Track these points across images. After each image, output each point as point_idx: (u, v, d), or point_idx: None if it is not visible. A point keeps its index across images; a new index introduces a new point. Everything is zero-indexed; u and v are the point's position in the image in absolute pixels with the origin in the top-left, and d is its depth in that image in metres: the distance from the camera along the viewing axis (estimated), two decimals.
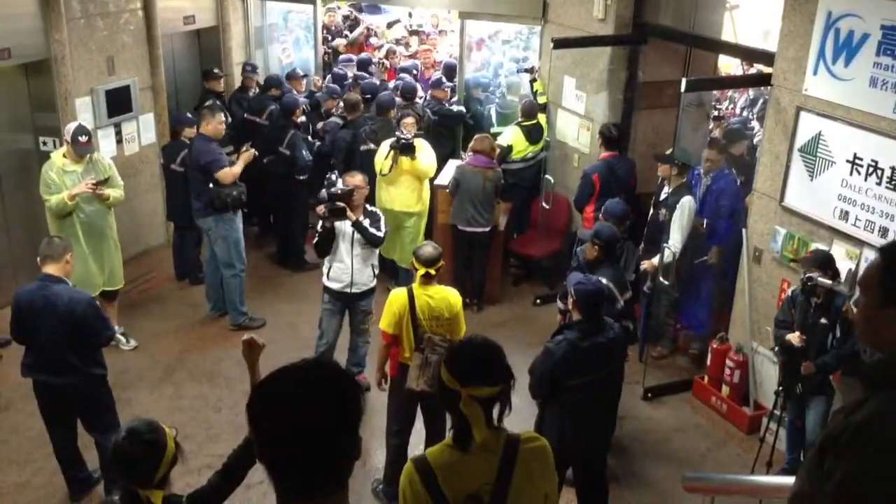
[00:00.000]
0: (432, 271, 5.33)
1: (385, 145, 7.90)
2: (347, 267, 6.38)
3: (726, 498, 5.22)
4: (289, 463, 1.81)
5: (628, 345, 5.64)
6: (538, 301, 8.39)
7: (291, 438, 1.78)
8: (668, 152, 7.22)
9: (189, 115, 8.48)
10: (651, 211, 7.34)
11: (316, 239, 6.45)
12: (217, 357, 7.27)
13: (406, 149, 7.74)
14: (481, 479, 2.67)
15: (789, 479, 5.15)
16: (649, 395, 6.86)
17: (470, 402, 2.64)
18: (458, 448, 2.71)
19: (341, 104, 9.21)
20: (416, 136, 7.89)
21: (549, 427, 4.78)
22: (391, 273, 8.38)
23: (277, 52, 11.22)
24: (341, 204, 6.16)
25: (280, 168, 8.65)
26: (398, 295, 5.34)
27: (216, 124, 7.50)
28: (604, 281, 5.63)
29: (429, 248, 5.43)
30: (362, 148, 8.45)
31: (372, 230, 6.30)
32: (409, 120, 8.03)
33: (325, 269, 6.51)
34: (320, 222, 6.34)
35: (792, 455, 5.81)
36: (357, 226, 6.26)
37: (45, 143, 7.80)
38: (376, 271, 6.60)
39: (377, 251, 6.57)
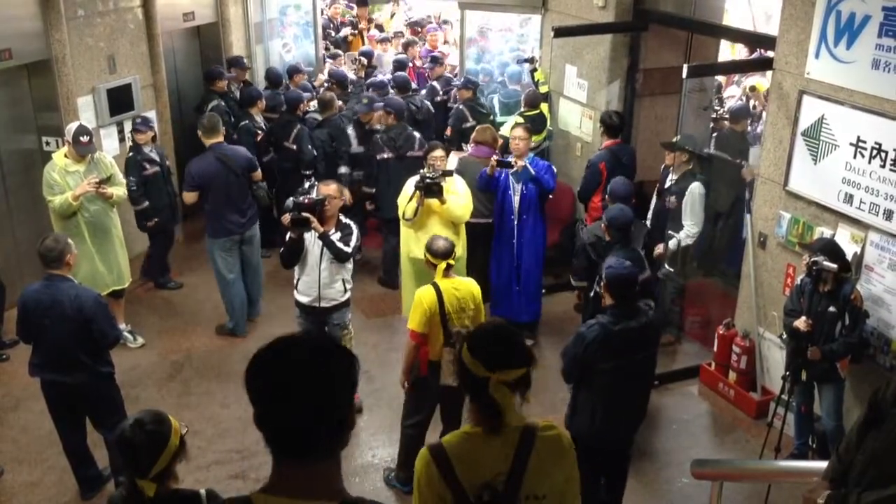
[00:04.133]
0: (452, 262, 5.28)
1: (409, 184, 6.76)
2: (314, 280, 6.04)
3: (735, 483, 5.24)
4: (282, 428, 1.88)
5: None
6: (543, 290, 8.37)
7: (285, 404, 1.85)
8: (674, 140, 7.20)
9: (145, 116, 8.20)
10: (654, 199, 7.32)
11: (281, 249, 6.09)
12: (224, 353, 7.29)
13: (431, 190, 6.52)
14: (497, 468, 2.66)
15: (798, 464, 5.20)
16: (656, 381, 6.83)
17: (499, 386, 2.65)
18: (487, 432, 2.70)
19: (312, 104, 9.22)
20: (445, 173, 6.69)
21: (580, 412, 4.76)
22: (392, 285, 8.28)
23: (278, 47, 11.21)
24: (306, 214, 5.75)
25: (286, 163, 8.66)
26: (426, 293, 5.19)
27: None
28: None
29: (441, 241, 5.33)
30: (379, 157, 8.17)
31: (339, 245, 5.91)
32: (439, 153, 6.93)
33: (294, 282, 6.21)
34: (288, 234, 5.94)
35: (800, 440, 5.81)
36: (323, 238, 5.89)
37: (48, 143, 7.81)
38: (348, 286, 6.20)
39: (349, 265, 6.17)
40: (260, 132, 8.81)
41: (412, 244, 6.77)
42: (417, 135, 8.23)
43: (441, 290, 5.19)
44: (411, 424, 5.54)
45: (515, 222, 7.13)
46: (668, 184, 7.16)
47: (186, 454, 3.49)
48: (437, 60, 10.14)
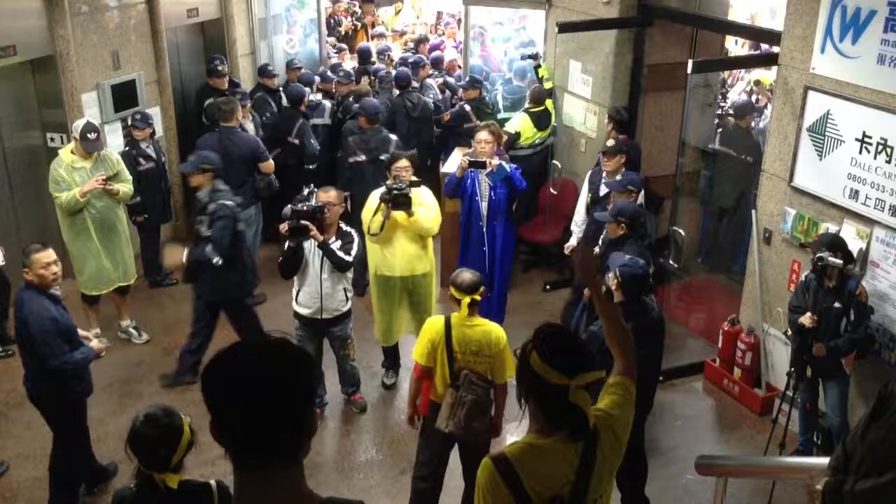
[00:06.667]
0: (477, 297, 4.80)
1: (374, 197, 6.29)
2: (316, 291, 5.86)
3: (739, 479, 5.24)
4: (239, 438, 1.86)
5: None
6: (548, 287, 8.38)
7: (240, 414, 1.83)
8: (608, 143, 7.07)
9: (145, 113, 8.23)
10: (581, 211, 7.22)
11: (280, 259, 5.93)
12: None
13: (399, 202, 6.11)
14: (564, 479, 2.63)
15: (803, 460, 5.18)
16: (661, 378, 6.83)
17: (579, 392, 2.61)
18: (570, 439, 2.64)
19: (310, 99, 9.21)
20: (412, 183, 6.26)
21: None
22: None
23: (282, 43, 11.21)
24: (304, 222, 5.59)
25: (290, 158, 8.68)
26: (434, 323, 4.85)
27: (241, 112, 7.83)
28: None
29: (467, 274, 4.85)
30: (350, 160, 7.94)
31: (340, 254, 5.76)
32: (403, 163, 6.42)
33: (293, 293, 6.04)
34: (286, 243, 5.79)
35: (805, 436, 5.81)
36: (323, 247, 5.72)
37: (52, 140, 7.82)
38: (349, 294, 6.07)
39: (350, 273, 6.05)
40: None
41: (378, 261, 6.42)
42: (394, 137, 7.97)
43: (451, 323, 4.77)
44: (419, 476, 5.10)
45: (484, 229, 7.00)
46: (603, 190, 6.95)
47: (198, 444, 3.52)
48: (417, 65, 10.06)
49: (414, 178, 6.40)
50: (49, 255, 4.99)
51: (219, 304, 6.55)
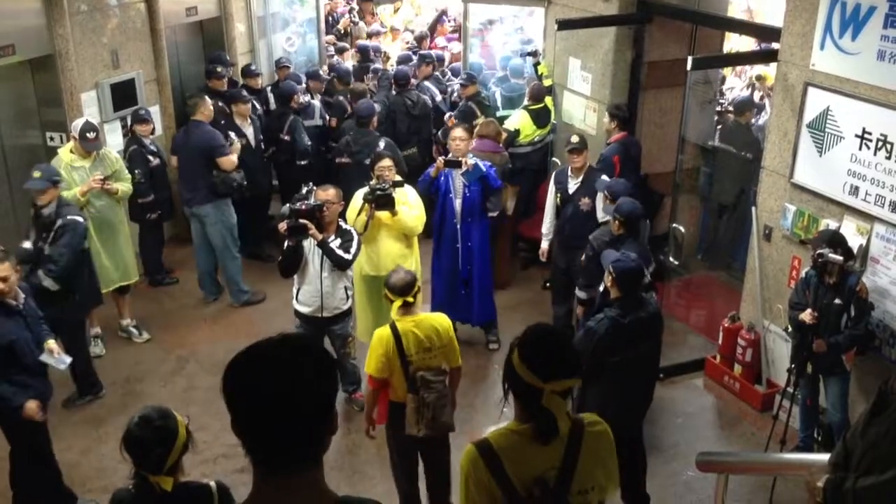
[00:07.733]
0: (410, 299, 4.78)
1: (357, 197, 6.37)
2: (317, 289, 5.88)
3: (740, 476, 5.24)
4: (261, 438, 1.84)
5: None
6: (547, 284, 8.37)
7: (262, 414, 1.81)
8: (573, 140, 7.06)
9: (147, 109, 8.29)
10: (549, 212, 7.23)
11: (279, 258, 5.96)
12: (229, 347, 7.17)
13: (382, 202, 6.20)
14: (548, 464, 2.65)
15: (803, 456, 5.19)
16: (661, 375, 6.84)
17: (552, 397, 2.62)
18: (540, 442, 2.66)
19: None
20: (395, 184, 6.34)
21: (589, 408, 4.68)
22: None
23: (281, 41, 11.21)
24: (303, 221, 5.58)
25: (282, 155, 8.68)
26: (381, 334, 4.76)
27: (210, 107, 7.73)
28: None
29: (400, 274, 4.85)
30: (337, 160, 8.10)
31: (339, 252, 5.75)
32: (386, 163, 6.46)
33: (294, 292, 6.07)
34: (285, 242, 5.78)
35: (805, 433, 5.81)
36: (322, 246, 5.71)
37: (52, 139, 7.81)
38: (350, 292, 6.09)
39: (350, 272, 6.07)
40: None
41: (363, 261, 6.41)
42: (382, 142, 7.92)
43: (398, 330, 4.72)
44: (400, 479, 5.18)
45: (458, 226, 6.95)
46: (572, 187, 7.00)
47: (194, 445, 3.51)
48: (423, 59, 10.02)
49: (397, 178, 6.45)
50: (3, 269, 4.85)
51: (59, 325, 6.01)
